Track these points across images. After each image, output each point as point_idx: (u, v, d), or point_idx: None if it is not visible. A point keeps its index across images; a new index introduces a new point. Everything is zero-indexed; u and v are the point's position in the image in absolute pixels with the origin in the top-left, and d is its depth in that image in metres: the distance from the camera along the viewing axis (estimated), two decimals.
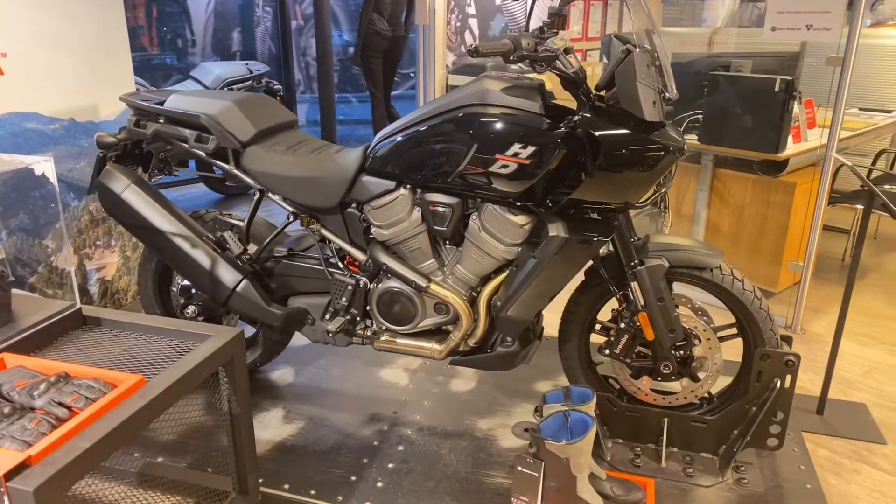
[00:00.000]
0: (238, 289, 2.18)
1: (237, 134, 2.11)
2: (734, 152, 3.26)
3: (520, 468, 1.78)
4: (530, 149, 1.80)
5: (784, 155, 3.13)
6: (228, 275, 2.18)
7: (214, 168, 2.20)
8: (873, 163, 4.23)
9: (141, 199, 2.18)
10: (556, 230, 1.84)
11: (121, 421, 1.30)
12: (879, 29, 5.22)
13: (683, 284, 2.04)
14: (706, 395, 2.12)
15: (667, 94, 1.78)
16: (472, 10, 4.60)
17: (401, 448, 2.16)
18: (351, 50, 8.12)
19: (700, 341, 2.03)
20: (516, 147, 1.81)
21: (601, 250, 2.00)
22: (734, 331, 2.08)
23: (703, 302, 2.14)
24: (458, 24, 4.55)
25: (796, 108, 3.30)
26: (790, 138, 3.23)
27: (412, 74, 8.04)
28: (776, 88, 3.02)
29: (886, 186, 4.04)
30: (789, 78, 2.99)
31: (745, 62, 3.40)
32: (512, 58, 1.70)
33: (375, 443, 2.19)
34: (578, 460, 1.71)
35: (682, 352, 2.03)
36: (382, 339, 2.19)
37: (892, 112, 4.40)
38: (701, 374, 2.06)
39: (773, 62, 3.58)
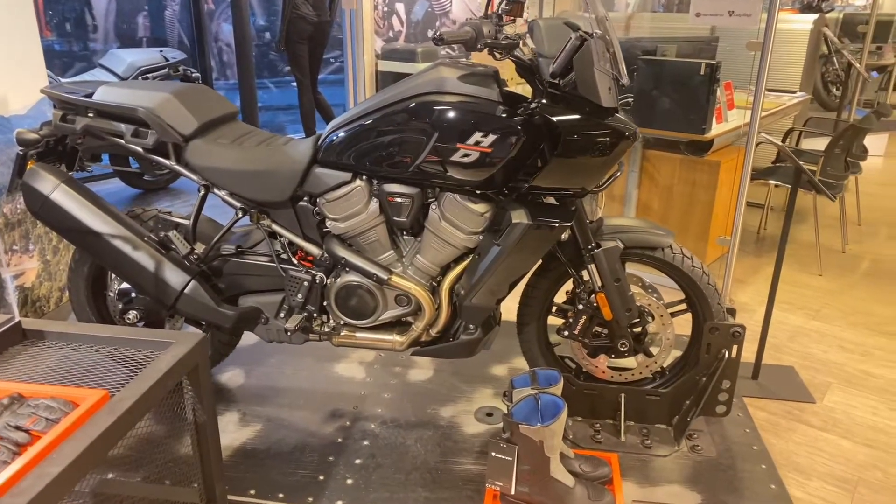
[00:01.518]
0: (186, 291, 2.08)
1: (178, 127, 2.00)
2: (664, 134, 3.40)
3: (493, 454, 1.80)
4: (491, 137, 1.80)
5: (710, 135, 3.28)
6: (175, 276, 2.07)
7: (130, 162, 2.07)
8: (783, 140, 4.51)
9: (72, 200, 2.02)
10: (518, 217, 1.86)
11: (90, 441, 1.21)
12: (780, 13, 5.55)
13: (633, 264, 2.12)
14: (659, 369, 2.21)
15: (621, 81, 1.82)
16: None
17: (366, 443, 2.14)
18: (267, 35, 7.83)
19: (653, 318, 2.11)
20: (477, 136, 1.81)
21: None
22: (684, 306, 2.17)
23: (650, 279, 2.22)
24: (386, 8, 4.48)
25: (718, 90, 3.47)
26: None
27: (332, 60, 7.87)
28: (702, 72, 3.16)
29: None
30: (714, 62, 3.13)
31: (670, 47, 3.54)
32: (479, 46, 1.69)
33: (339, 440, 2.15)
34: (552, 442, 1.74)
35: (636, 329, 2.11)
36: (342, 334, 2.15)
37: (797, 92, 4.71)
38: (654, 350, 2.15)
39: (692, 47, 3.74)
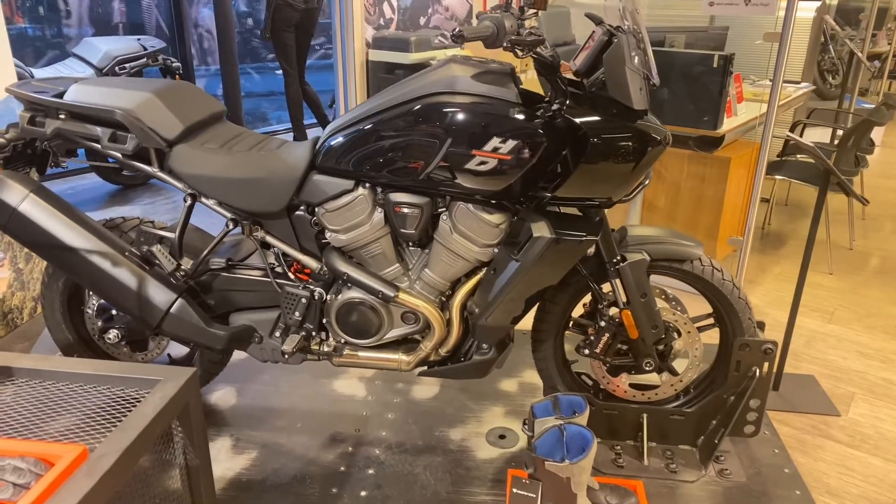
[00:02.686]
0: (172, 310, 1.89)
1: (162, 131, 1.80)
2: (673, 129, 3.24)
3: (515, 490, 1.65)
4: (511, 143, 1.63)
5: (723, 131, 3.14)
6: (160, 294, 1.88)
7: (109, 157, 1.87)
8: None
9: (43, 212, 1.82)
10: (539, 230, 1.69)
11: None
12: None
13: (657, 275, 1.97)
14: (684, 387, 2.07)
15: (652, 80, 1.66)
16: None
17: (371, 472, 1.98)
18: (249, 21, 7.56)
19: (680, 334, 1.97)
20: (495, 141, 1.64)
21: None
22: (711, 321, 2.03)
23: (673, 289, 2.08)
24: None
25: None
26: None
27: (317, 47, 7.60)
28: (715, 64, 3.00)
29: (799, 157, 4.21)
30: (728, 54, 2.98)
31: (678, 37, 3.38)
32: (504, 44, 1.51)
33: (342, 468, 1.99)
34: (580, 478, 1.60)
35: (662, 346, 1.96)
36: (343, 354, 1.98)
37: (800, 83, 4.58)
38: (680, 368, 2.01)
39: (700, 37, 3.58)
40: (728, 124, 3.24)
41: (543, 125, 1.64)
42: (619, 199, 1.73)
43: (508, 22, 1.51)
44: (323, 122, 5.26)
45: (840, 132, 5.21)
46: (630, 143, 1.63)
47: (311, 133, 5.37)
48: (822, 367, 2.69)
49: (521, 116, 1.64)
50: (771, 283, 3.46)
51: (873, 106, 6.95)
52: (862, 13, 7.07)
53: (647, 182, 1.78)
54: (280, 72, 5.03)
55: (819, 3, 5.00)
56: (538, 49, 1.59)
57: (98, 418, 1.32)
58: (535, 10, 1.59)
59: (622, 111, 1.64)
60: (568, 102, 1.64)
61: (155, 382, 1.37)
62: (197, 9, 7.80)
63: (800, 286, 2.38)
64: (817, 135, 5.47)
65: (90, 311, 2.10)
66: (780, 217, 4.43)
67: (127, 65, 4.23)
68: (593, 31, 1.73)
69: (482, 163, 1.66)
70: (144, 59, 4.32)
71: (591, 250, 1.86)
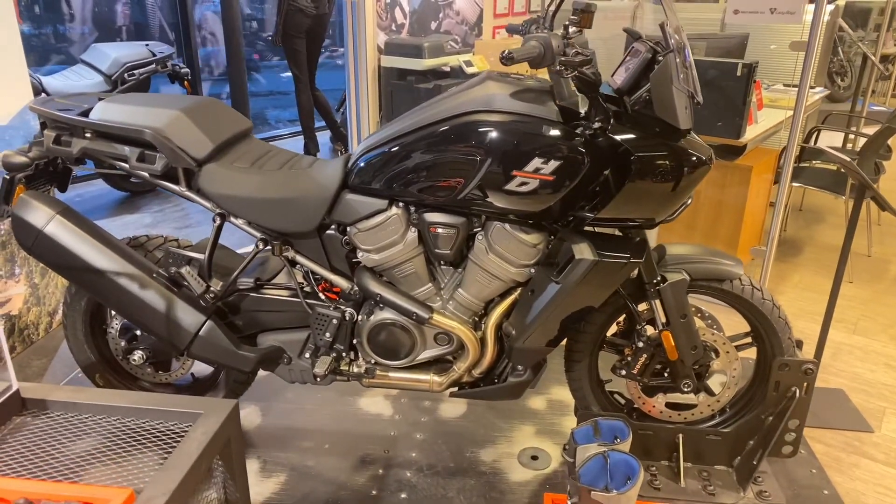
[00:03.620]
0: (201, 333, 1.85)
1: (191, 151, 1.76)
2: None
3: None
4: (553, 163, 1.59)
5: (745, 139, 3.10)
6: (188, 317, 1.84)
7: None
8: (805, 140, 4.35)
9: (70, 234, 1.78)
10: (581, 252, 1.65)
11: None
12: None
13: (695, 295, 1.93)
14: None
15: (696, 98, 1.62)
16: None
17: (404, 496, 1.94)
18: (254, 24, 7.49)
19: (717, 355, 1.93)
20: (537, 162, 1.60)
21: None
22: (749, 339, 1.99)
23: (707, 306, 2.04)
24: (388, 0, 4.21)
25: None
26: None
27: (323, 50, 7.53)
28: (738, 73, 2.96)
29: (815, 163, 4.17)
30: (751, 62, 2.94)
31: (699, 44, 3.34)
32: (556, 67, 1.47)
33: (374, 492, 1.95)
34: None
35: (699, 366, 1.93)
36: (374, 375, 1.94)
37: (815, 88, 4.54)
38: (717, 388, 1.97)
39: (722, 43, 3.54)
40: (750, 132, 3.20)
41: (586, 144, 1.60)
42: (661, 220, 1.69)
43: (555, 42, 1.47)
44: (333, 127, 5.21)
45: (851, 136, 5.18)
46: (675, 164, 1.59)
47: (320, 137, 5.32)
48: (850, 381, 2.66)
49: (563, 136, 1.59)
50: (791, 292, 3.43)
51: (884, 108, 6.92)
52: (869, 14, 7.05)
53: (689, 202, 1.74)
54: (288, 74, 4.98)
55: (833, 7, 4.96)
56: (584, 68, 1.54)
57: (140, 455, 1.28)
58: (579, 29, 1.54)
59: (666, 129, 1.60)
60: (612, 121, 1.60)
61: (196, 416, 1.33)
62: (201, 11, 7.73)
63: (832, 301, 2.35)
64: (829, 139, 5.44)
65: (113, 331, 2.05)
66: (796, 223, 4.40)
67: (136, 71, 4.18)
68: (632, 47, 1.69)
69: (523, 183, 1.62)
70: (153, 66, 4.27)
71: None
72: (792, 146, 2.90)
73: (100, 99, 1.88)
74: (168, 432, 1.33)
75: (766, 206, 3.69)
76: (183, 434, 1.32)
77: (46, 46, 6.64)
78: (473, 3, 5.00)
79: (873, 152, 3.54)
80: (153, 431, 1.33)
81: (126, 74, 4.13)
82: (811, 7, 2.74)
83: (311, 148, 4.86)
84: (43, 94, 3.76)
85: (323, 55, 5.08)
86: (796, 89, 4.50)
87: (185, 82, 4.49)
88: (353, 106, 4.22)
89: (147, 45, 4.35)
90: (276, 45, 4.42)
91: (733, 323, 2.09)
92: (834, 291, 2.34)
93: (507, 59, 1.40)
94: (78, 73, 4.09)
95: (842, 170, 3.46)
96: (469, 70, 4.22)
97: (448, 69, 4.25)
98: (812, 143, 4.69)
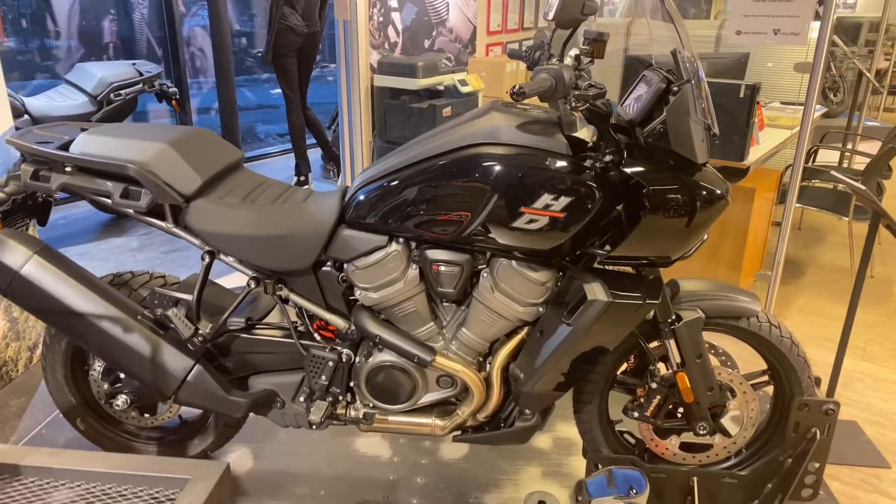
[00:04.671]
0: (189, 378, 1.74)
1: (178, 186, 1.65)
2: None
3: None
4: (564, 200, 1.50)
5: (749, 161, 3.03)
6: (175, 361, 1.73)
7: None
8: (806, 161, 4.29)
9: (49, 275, 1.66)
10: (594, 293, 1.56)
11: None
12: None
13: (708, 331, 1.84)
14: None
15: (713, 130, 1.54)
16: (394, 3, 4.20)
17: None
18: (243, 41, 7.41)
19: (734, 394, 1.84)
20: (546, 198, 1.51)
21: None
22: (765, 378, 1.91)
23: (719, 340, 1.95)
24: (381, 18, 4.14)
25: None
26: None
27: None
28: (741, 94, 2.90)
29: (815, 182, 4.12)
30: (754, 84, 2.88)
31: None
32: (570, 102, 1.38)
33: None
34: None
35: (715, 407, 1.84)
36: (373, 420, 1.83)
37: (815, 106, 4.49)
38: (734, 429, 1.88)
39: (721, 62, 3.49)
40: (753, 153, 3.14)
41: (598, 179, 1.51)
42: (678, 258, 1.60)
43: (567, 74, 1.38)
44: (324, 145, 5.11)
45: (847, 154, 5.14)
46: (693, 199, 1.50)
47: (312, 154, 5.21)
48: (863, 412, 2.58)
49: (574, 170, 1.51)
50: (796, 316, 3.35)
51: (879, 124, 6.92)
52: (860, 30, 7.07)
53: (705, 238, 1.65)
54: (277, 91, 4.89)
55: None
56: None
57: None
58: (590, 59, 1.46)
59: (681, 163, 1.52)
60: (625, 154, 1.51)
61: (184, 482, 1.22)
62: (189, 27, 7.64)
63: (846, 332, 2.27)
64: (824, 156, 5.40)
65: (95, 374, 1.94)
66: (795, 242, 4.34)
67: (122, 91, 4.08)
68: (643, 76, 1.61)
69: (532, 220, 1.53)
70: (140, 85, 4.16)
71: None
72: (798, 168, 2.84)
73: (82, 130, 1.78)
74: (153, 501, 1.22)
75: (768, 227, 3.63)
76: (169, 503, 1.22)
77: (31, 63, 6.52)
78: (466, 21, 4.94)
79: (877, 172, 3.48)
80: (136, 501, 1.22)
81: (112, 94, 4.02)
82: (816, 24, 2.68)
83: (302, 168, 4.76)
84: (25, 117, 3.64)
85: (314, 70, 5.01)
86: (795, 107, 4.46)
87: (174, 101, 4.38)
88: (346, 126, 4.13)
89: (134, 64, 4.25)
90: (268, 65, 4.33)
91: (741, 351, 1.99)
92: (848, 322, 2.26)
93: (518, 95, 1.32)
94: (62, 93, 3.97)
95: (856, 199, 3.39)
96: (464, 89, 4.15)
97: (442, 88, 4.18)
98: (811, 163, 4.64)
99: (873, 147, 4.43)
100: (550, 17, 1.57)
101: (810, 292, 3.62)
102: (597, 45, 1.44)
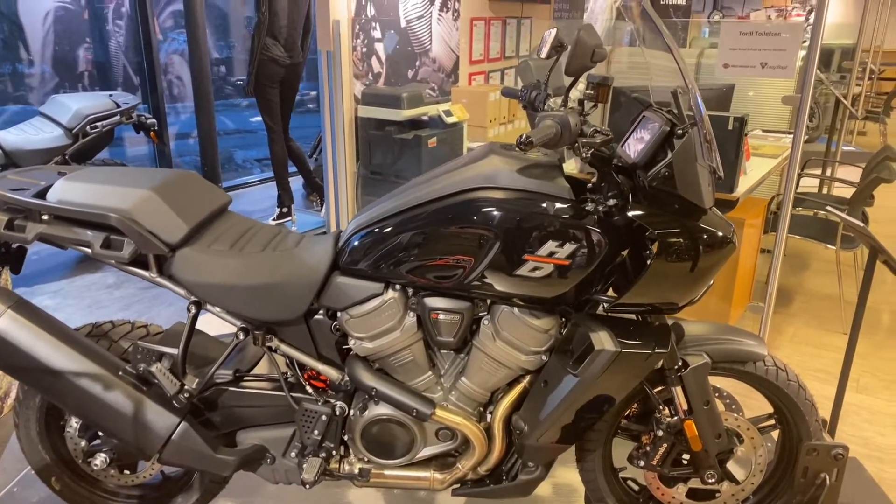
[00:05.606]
0: (174, 437, 1.64)
1: (163, 235, 1.57)
2: None
3: None
4: (570, 247, 1.45)
5: (738, 193, 3.03)
6: (159, 419, 1.63)
7: None
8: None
9: (23, 330, 1.56)
10: (600, 342, 1.50)
11: None
12: None
13: (713, 375, 1.79)
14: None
15: (718, 173, 1.50)
16: (377, 34, 4.17)
17: None
18: (222, 69, 7.34)
19: (741, 440, 1.79)
20: (551, 245, 1.45)
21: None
22: (772, 422, 1.86)
23: (723, 383, 1.90)
24: (364, 49, 4.10)
25: None
26: None
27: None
28: (729, 127, 2.90)
29: (800, 209, 4.14)
30: (743, 115, 2.88)
31: None
32: (580, 152, 1.34)
33: None
34: None
35: (722, 454, 1.78)
36: (368, 476, 1.75)
37: (792, 133, 4.54)
38: (742, 476, 1.82)
39: (706, 94, 3.49)
40: (742, 184, 3.13)
41: (601, 224, 1.46)
42: (685, 305, 1.55)
43: (573, 120, 1.34)
44: (306, 176, 5.04)
45: (826, 181, 5.20)
46: (700, 245, 1.46)
47: (293, 183, 5.13)
48: (861, 447, 2.54)
49: (578, 215, 1.46)
50: (787, 346, 3.33)
51: (855, 149, 7.02)
52: (832, 56, 7.22)
53: (712, 283, 1.61)
54: (257, 118, 4.82)
55: (805, 51, 5.02)
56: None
57: None
58: (594, 104, 1.42)
59: (687, 207, 1.48)
60: (631, 199, 1.47)
61: None
62: (167, 54, 7.55)
63: (846, 369, 2.24)
64: (806, 182, 5.46)
65: (72, 430, 1.83)
66: (782, 269, 4.31)
67: (99, 123, 3.97)
68: (642, 116, 1.58)
69: (536, 268, 1.47)
70: (117, 117, 4.06)
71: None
72: (788, 199, 2.83)
73: (60, 174, 1.69)
74: None
75: (756, 256, 3.62)
76: None
77: (2, 92, 6.37)
78: (449, 51, 4.93)
79: (862, 201, 3.51)
80: None
81: (88, 127, 3.91)
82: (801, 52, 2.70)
83: (285, 199, 4.68)
84: None
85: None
86: (777, 135, 4.49)
87: (152, 133, 4.29)
88: (330, 157, 4.07)
89: (111, 95, 4.15)
90: (249, 96, 4.26)
91: (741, 388, 1.94)
92: (847, 362, 2.23)
93: (526, 145, 1.27)
94: (36, 126, 3.86)
95: (853, 234, 3.39)
96: (448, 120, 4.12)
97: (427, 118, 4.14)
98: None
99: (852, 173, 4.48)
100: (543, 55, 1.53)
101: (799, 321, 3.61)
102: (601, 89, 1.40)
